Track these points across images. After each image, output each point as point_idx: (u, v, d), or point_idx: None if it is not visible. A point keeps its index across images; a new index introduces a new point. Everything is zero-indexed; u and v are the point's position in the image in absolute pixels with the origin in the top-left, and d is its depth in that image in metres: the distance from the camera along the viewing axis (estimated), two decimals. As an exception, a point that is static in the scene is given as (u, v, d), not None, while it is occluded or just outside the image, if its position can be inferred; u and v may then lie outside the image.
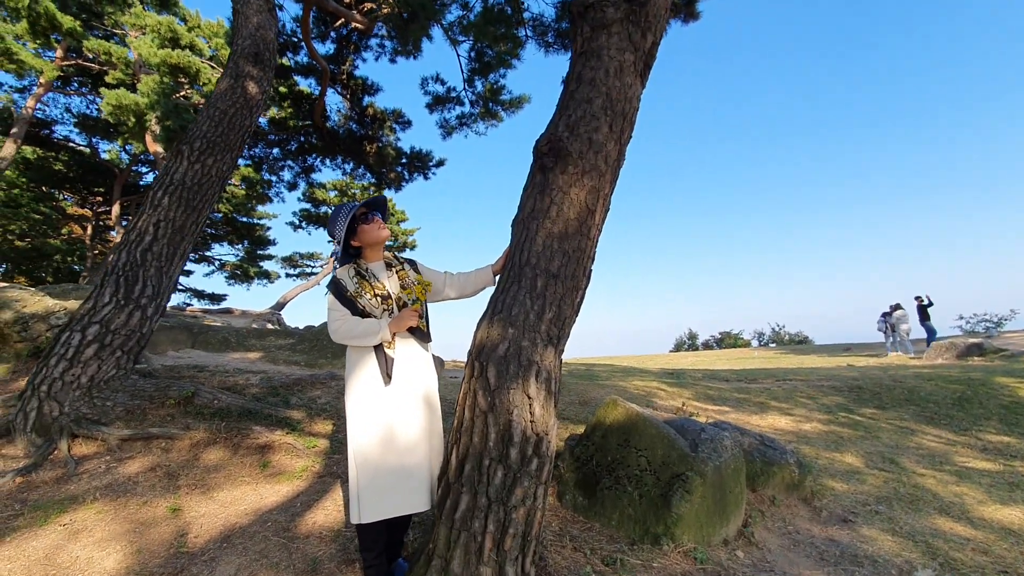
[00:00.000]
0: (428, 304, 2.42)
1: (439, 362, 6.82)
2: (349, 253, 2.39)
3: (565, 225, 2.14)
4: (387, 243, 2.46)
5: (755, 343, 34.28)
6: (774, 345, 31.32)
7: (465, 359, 2.33)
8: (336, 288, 2.26)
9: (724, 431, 3.34)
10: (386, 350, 2.14)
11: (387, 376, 2.11)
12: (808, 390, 7.03)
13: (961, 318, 21.72)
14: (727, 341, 34.35)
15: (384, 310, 2.20)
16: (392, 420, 2.10)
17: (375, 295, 2.21)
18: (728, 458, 3.05)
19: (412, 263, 2.45)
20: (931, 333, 14.67)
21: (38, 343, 4.76)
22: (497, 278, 2.40)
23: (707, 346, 34.95)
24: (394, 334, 2.17)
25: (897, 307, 14.65)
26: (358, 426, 2.10)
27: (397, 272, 2.33)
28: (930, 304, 14.74)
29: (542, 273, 2.14)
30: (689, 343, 35.96)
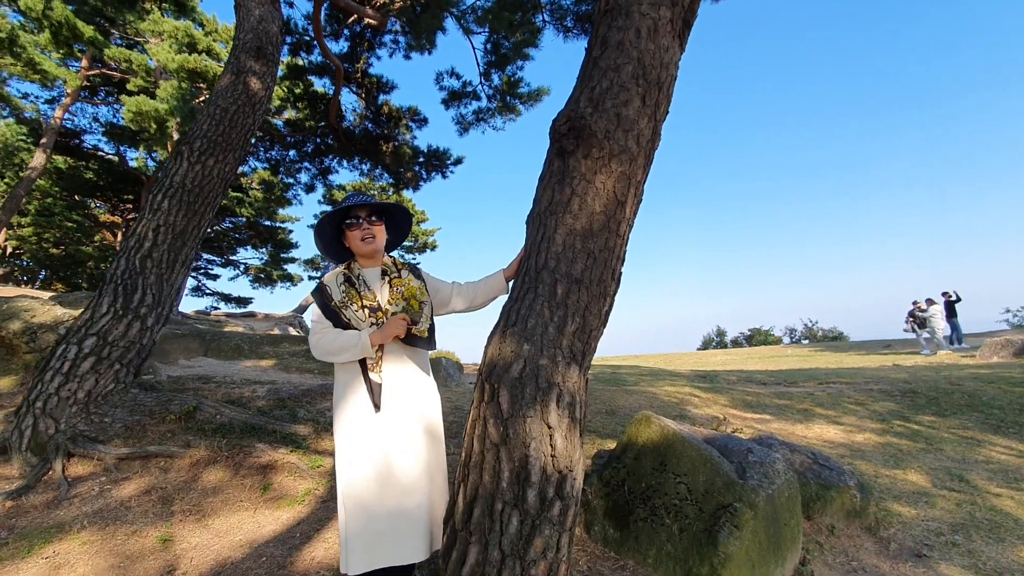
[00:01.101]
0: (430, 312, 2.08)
1: (457, 367, 6.52)
2: (344, 254, 2.09)
3: (589, 220, 1.78)
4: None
5: (786, 340, 33.19)
6: (807, 342, 30.24)
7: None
8: (321, 296, 1.95)
9: (774, 451, 2.94)
10: (371, 374, 1.82)
11: (375, 404, 1.79)
12: (856, 395, 6.50)
13: (1008, 311, 20.45)
14: (757, 338, 33.35)
15: (373, 323, 1.87)
16: (385, 455, 1.78)
17: (363, 306, 1.88)
18: (781, 485, 2.65)
19: (414, 270, 2.11)
20: (955, 330, 14.19)
21: (47, 354, 4.62)
22: (511, 284, 2.05)
23: (736, 343, 34.01)
24: (381, 353, 1.84)
25: (931, 302, 13.86)
26: (346, 462, 1.79)
27: (392, 280, 2.00)
28: (958, 300, 14.10)
29: (563, 278, 1.79)
30: (717, 340, 35.05)
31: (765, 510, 2.46)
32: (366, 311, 1.88)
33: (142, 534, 2.65)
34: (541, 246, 1.84)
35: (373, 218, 1.99)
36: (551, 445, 1.68)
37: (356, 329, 1.87)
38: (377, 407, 1.80)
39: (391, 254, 2.20)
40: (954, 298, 14.14)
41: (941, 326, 13.46)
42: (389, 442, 1.78)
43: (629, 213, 1.87)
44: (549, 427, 1.69)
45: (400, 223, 2.21)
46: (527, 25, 7.17)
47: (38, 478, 3.08)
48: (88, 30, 10.92)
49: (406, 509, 1.76)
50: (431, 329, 1.99)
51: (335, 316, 1.90)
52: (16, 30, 10.18)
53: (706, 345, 35.27)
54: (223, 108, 4.17)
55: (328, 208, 21.59)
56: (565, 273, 1.80)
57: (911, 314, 14.23)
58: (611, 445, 3.82)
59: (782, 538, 2.53)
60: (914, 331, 14.23)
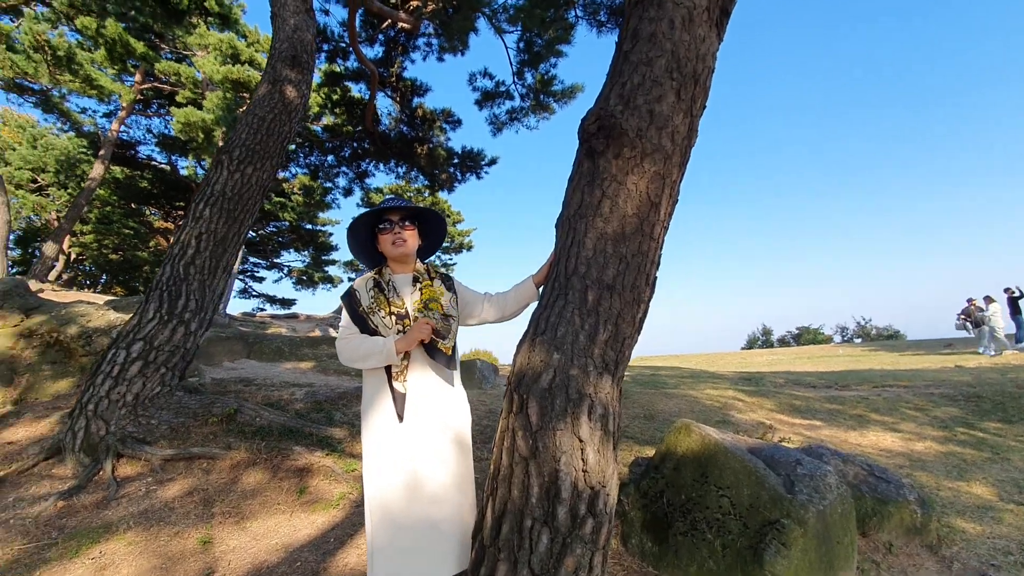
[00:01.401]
0: (457, 323, 2.03)
1: (492, 369, 6.49)
2: (376, 258, 2.07)
3: (621, 223, 1.70)
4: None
5: (837, 338, 31.74)
6: (860, 341, 28.81)
7: None
8: (349, 301, 1.93)
9: (826, 463, 2.76)
10: (394, 383, 1.79)
11: (398, 414, 1.76)
12: (914, 399, 6.12)
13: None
14: (806, 337, 32.01)
15: (400, 331, 1.84)
16: (410, 466, 1.75)
17: (390, 313, 1.86)
18: (834, 500, 2.48)
19: (447, 279, 2.07)
20: (1021, 328, 13.21)
21: (99, 357, 4.86)
22: (541, 291, 1.98)
23: (783, 343, 32.75)
24: (406, 361, 1.81)
25: (989, 300, 12.96)
26: (373, 472, 1.77)
27: (422, 288, 1.96)
28: (1021, 296, 13.09)
29: (594, 284, 1.71)
30: (763, 339, 33.85)
31: (816, 527, 2.31)
32: (393, 318, 1.85)
33: (184, 535, 2.73)
34: (571, 251, 1.77)
35: (405, 222, 1.97)
36: (582, 459, 1.61)
37: (383, 336, 1.85)
38: (400, 417, 1.77)
39: (426, 261, 2.17)
40: (1017, 294, 13.20)
41: (1002, 325, 12.60)
42: (414, 453, 1.75)
43: (664, 215, 1.77)
44: (580, 440, 1.62)
45: (434, 229, 2.17)
46: (560, 22, 7.08)
47: (89, 478, 3.22)
48: (140, 46, 11.49)
49: (433, 522, 1.72)
50: (455, 348, 1.95)
51: (362, 322, 1.89)
52: (73, 48, 10.81)
53: (751, 344, 34.12)
54: (260, 117, 4.27)
55: (366, 211, 22.04)
56: (596, 279, 1.72)
57: (965, 312, 13.41)
58: (649, 452, 3.70)
59: (835, 557, 2.37)
60: (966, 328, 13.43)
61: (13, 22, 11.28)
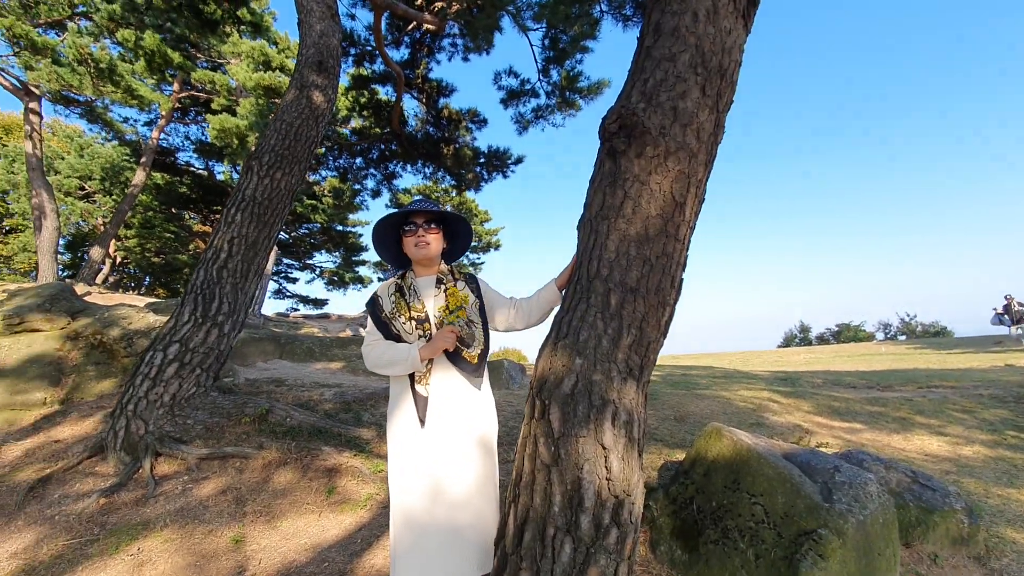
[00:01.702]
0: (487, 327, 2.01)
1: (520, 369, 6.48)
2: (401, 259, 2.08)
3: (644, 224, 1.65)
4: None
5: (880, 336, 30.52)
6: (904, 338, 27.64)
7: None
8: (372, 307, 1.95)
9: (866, 470, 2.65)
10: (417, 387, 1.78)
11: (420, 419, 1.76)
12: (962, 400, 5.81)
13: None
14: (846, 334, 30.86)
15: (421, 336, 1.84)
16: (434, 471, 1.74)
17: (410, 318, 1.86)
18: (875, 509, 2.37)
19: (471, 280, 2.05)
20: None
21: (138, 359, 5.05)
22: (564, 294, 1.95)
23: (822, 340, 31.67)
24: (429, 365, 1.81)
25: None
26: (396, 476, 1.77)
27: (447, 290, 1.95)
28: None
29: (617, 287, 1.67)
30: (801, 337, 32.82)
31: (855, 538, 2.21)
32: (413, 323, 1.85)
33: (217, 534, 2.80)
34: (593, 253, 1.73)
35: (430, 225, 1.96)
36: (606, 467, 1.57)
37: (406, 341, 1.85)
38: (422, 422, 1.77)
39: (452, 263, 2.16)
40: None
41: None
42: (436, 458, 1.75)
43: (689, 215, 1.71)
44: (604, 448, 1.58)
45: (460, 233, 2.16)
46: (585, 17, 6.99)
47: (129, 476, 3.34)
48: (177, 56, 11.90)
49: (455, 528, 1.72)
50: (483, 356, 1.91)
51: (385, 328, 1.90)
52: (115, 60, 11.28)
53: (788, 342, 33.13)
54: (288, 123, 4.35)
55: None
56: (619, 282, 1.68)
57: (1006, 308, 12.71)
58: (679, 456, 3.62)
59: (875, 569, 2.26)
60: (1003, 324, 12.75)
61: (58, 36, 11.84)
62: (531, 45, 8.21)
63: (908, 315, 30.88)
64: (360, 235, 23.14)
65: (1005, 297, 13.00)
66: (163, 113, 15.12)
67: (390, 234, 2.04)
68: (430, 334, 1.84)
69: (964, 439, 4.57)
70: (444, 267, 2.04)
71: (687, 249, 1.77)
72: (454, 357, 1.82)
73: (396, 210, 2.00)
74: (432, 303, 1.92)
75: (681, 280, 1.78)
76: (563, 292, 1.99)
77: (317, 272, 24.40)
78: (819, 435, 4.35)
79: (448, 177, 10.86)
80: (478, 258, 27.03)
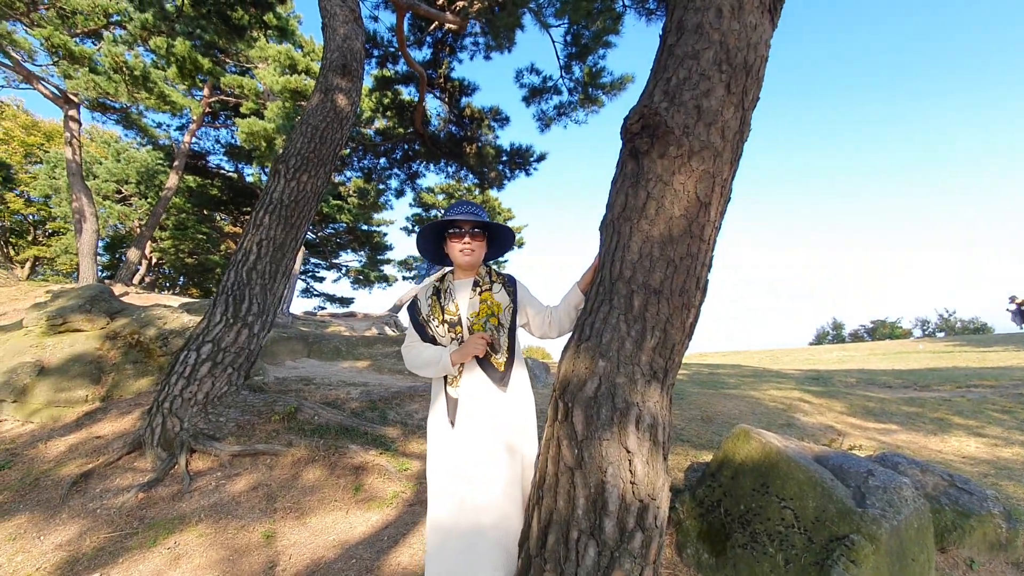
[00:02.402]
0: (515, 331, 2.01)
1: (543, 367, 6.48)
2: (439, 256, 2.11)
3: (668, 225, 1.63)
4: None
5: (917, 332, 29.49)
6: (943, 335, 26.65)
7: None
8: (411, 310, 2.00)
9: (901, 474, 2.57)
10: (449, 388, 1.82)
11: (450, 420, 1.78)
12: (1002, 400, 5.59)
13: None
14: (882, 331, 29.90)
15: (453, 339, 1.87)
16: (463, 471, 1.77)
17: (443, 321, 1.89)
18: (909, 514, 2.30)
19: (511, 283, 2.04)
20: None
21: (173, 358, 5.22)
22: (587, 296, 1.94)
23: (856, 337, 30.74)
24: (460, 368, 1.83)
25: None
26: (431, 472, 1.82)
27: (482, 293, 1.96)
28: None
29: (640, 288, 1.66)
30: (834, 334, 31.92)
31: (889, 544, 2.15)
32: (445, 326, 1.89)
33: (249, 529, 2.88)
34: (615, 255, 1.72)
35: (476, 230, 1.98)
36: (630, 471, 1.56)
37: (441, 344, 1.90)
38: (452, 423, 1.80)
39: (488, 263, 2.17)
40: None
41: None
42: (465, 458, 1.77)
43: (715, 215, 1.69)
44: (628, 451, 1.57)
45: (503, 241, 2.18)
46: (607, 12, 6.93)
47: (166, 472, 3.46)
48: (206, 62, 12.23)
49: (481, 529, 1.73)
50: (509, 362, 1.90)
51: (422, 330, 1.97)
52: (148, 68, 11.66)
53: (820, 339, 32.26)
54: (313, 126, 4.43)
55: (418, 210, 22.54)
56: (642, 283, 1.66)
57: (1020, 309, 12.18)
58: (706, 457, 3.57)
59: (910, 575, 2.20)
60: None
61: (94, 45, 12.29)
62: (553, 42, 8.17)
63: (947, 311, 29.77)
64: (384, 234, 23.44)
65: (1012, 299, 12.51)
66: (194, 117, 15.56)
67: (432, 232, 2.07)
68: (461, 337, 1.87)
69: (1003, 440, 4.40)
70: (482, 269, 2.06)
71: (712, 249, 1.75)
72: (483, 362, 1.85)
73: (449, 214, 1.99)
74: (466, 306, 1.93)
75: (707, 281, 1.76)
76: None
77: (343, 271, 24.82)
78: (852, 437, 4.24)
79: (471, 176, 10.91)
80: (501, 256, 27.05)
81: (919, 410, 5.23)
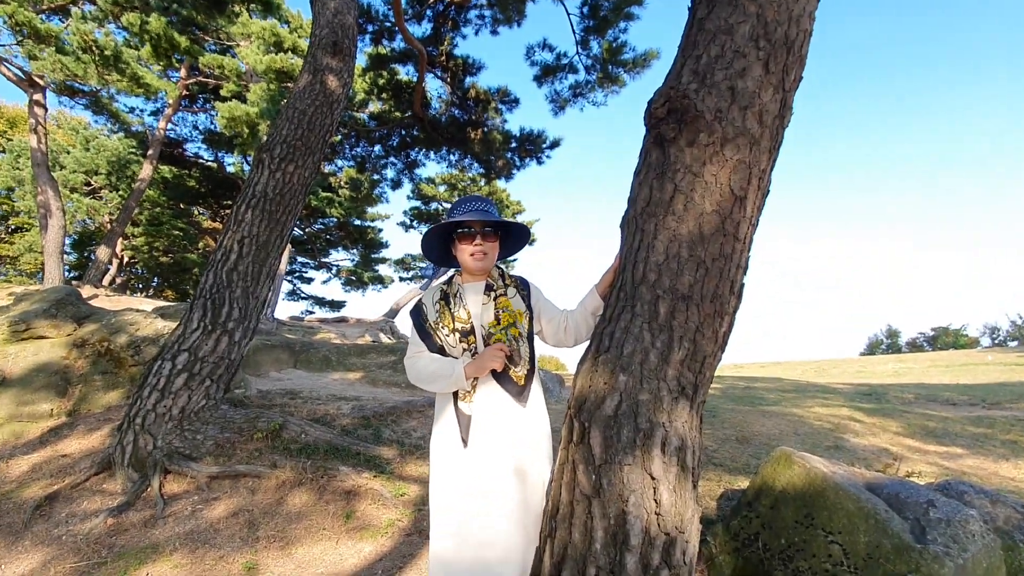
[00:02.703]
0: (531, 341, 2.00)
1: (557, 380, 6.47)
2: (446, 258, 2.12)
3: (698, 222, 1.62)
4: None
5: (986, 341, 29.06)
6: (1015, 344, 26.24)
7: None
8: (416, 315, 2.00)
9: (968, 505, 2.53)
10: (460, 403, 1.82)
11: (463, 439, 1.78)
12: (1088, 420, 5.49)
13: None
14: (944, 339, 29.51)
15: (465, 350, 1.87)
16: (475, 492, 1.77)
17: (454, 329, 1.88)
18: (977, 552, 2.27)
19: (524, 286, 2.04)
20: None
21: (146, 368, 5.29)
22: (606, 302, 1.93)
23: (915, 346, 30.37)
24: (474, 382, 1.83)
25: None
26: (434, 500, 1.82)
27: (496, 298, 1.95)
28: None
29: (666, 293, 1.65)
30: (889, 343, 31.56)
31: (954, 586, 2.12)
32: (457, 335, 1.88)
33: (229, 559, 2.91)
34: (638, 256, 1.71)
35: (488, 230, 1.96)
36: (655, 500, 1.56)
37: (450, 355, 1.90)
38: (465, 442, 1.79)
39: (498, 264, 2.16)
40: None
41: None
42: (479, 479, 1.77)
43: (751, 210, 1.67)
44: (653, 478, 1.57)
45: (516, 239, 2.17)
46: (630, -21, 6.92)
47: (137, 495, 3.50)
48: (183, 40, 12.41)
49: (488, 562, 1.73)
50: (529, 375, 1.90)
51: (429, 338, 1.95)
52: (120, 47, 11.85)
53: (872, 349, 31.94)
54: (301, 111, 4.47)
55: (417, 203, 22.62)
56: (669, 288, 1.65)
57: None
58: (742, 483, 3.55)
59: (979, 623, 2.16)
60: None
61: (62, 22, 12.51)
62: (568, 14, 8.19)
63: (1020, 317, 29.31)
64: (380, 230, 23.56)
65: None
66: (170, 101, 15.79)
67: (438, 231, 2.05)
68: (475, 348, 1.86)
69: (1089, 467, 4.31)
70: (494, 271, 2.05)
71: (748, 250, 1.73)
72: (500, 376, 1.84)
73: (458, 214, 1.97)
74: (479, 312, 1.92)
75: (742, 285, 1.75)
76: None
77: (334, 271, 24.97)
78: (910, 462, 4.19)
79: (476, 164, 10.96)
80: (511, 255, 27.06)
81: (988, 431, 5.16)
